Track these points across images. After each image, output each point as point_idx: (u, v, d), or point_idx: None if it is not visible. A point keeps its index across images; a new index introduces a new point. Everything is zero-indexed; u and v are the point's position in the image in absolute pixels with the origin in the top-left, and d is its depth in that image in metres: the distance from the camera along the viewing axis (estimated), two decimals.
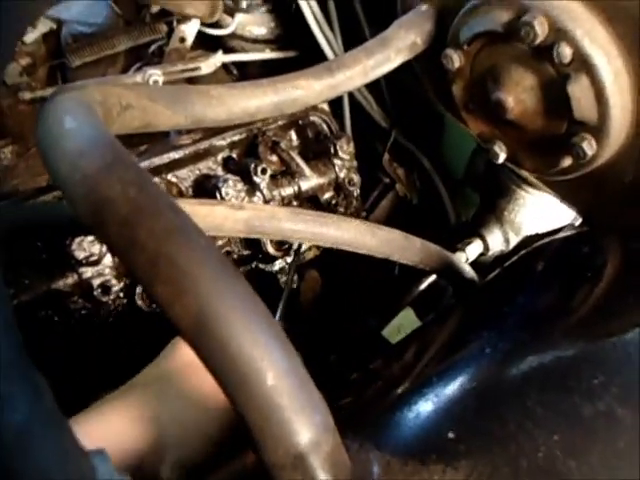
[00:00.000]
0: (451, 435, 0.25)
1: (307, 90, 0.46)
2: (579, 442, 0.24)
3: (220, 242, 0.72)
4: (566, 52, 0.36)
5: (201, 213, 0.36)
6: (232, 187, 0.67)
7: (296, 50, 0.83)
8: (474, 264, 0.67)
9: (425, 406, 0.27)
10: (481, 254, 0.66)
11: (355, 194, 0.80)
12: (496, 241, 0.65)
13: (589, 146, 0.39)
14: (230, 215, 0.37)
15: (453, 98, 0.49)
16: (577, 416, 0.25)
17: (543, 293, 0.35)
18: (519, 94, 0.42)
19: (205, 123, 0.43)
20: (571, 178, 0.44)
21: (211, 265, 0.20)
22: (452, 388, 0.28)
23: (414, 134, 0.80)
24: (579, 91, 0.37)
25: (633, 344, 0.27)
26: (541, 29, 0.36)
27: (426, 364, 0.33)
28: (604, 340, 0.28)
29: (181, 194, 0.72)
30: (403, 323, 0.67)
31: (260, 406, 0.20)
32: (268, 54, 0.82)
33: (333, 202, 0.78)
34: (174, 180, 0.71)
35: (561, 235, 0.47)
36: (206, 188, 0.70)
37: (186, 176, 0.72)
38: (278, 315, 0.64)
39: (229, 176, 0.67)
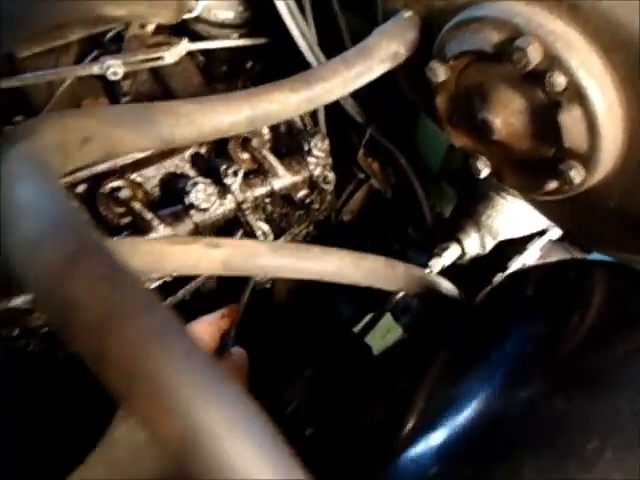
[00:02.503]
0: None
1: (283, 104, 0.43)
2: None
3: None
4: (560, 81, 0.35)
5: (175, 252, 0.34)
6: (202, 191, 0.63)
7: (266, 36, 0.79)
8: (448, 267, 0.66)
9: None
10: (457, 257, 0.66)
11: (329, 190, 0.78)
12: (473, 245, 0.64)
13: (577, 174, 0.38)
14: (205, 254, 0.34)
15: (436, 109, 0.47)
16: None
17: (530, 338, 0.34)
18: (507, 116, 0.40)
19: (174, 144, 0.40)
20: (554, 199, 0.44)
21: (196, 373, 0.18)
22: (440, 445, 0.27)
23: (390, 129, 0.78)
24: (570, 121, 0.36)
25: (623, 400, 0.27)
26: (535, 56, 0.34)
27: (413, 421, 0.32)
28: (595, 398, 0.27)
29: (147, 195, 0.68)
30: (386, 326, 0.66)
31: None
32: (236, 41, 0.77)
33: (307, 200, 0.76)
34: (139, 180, 0.67)
35: (545, 261, 0.47)
36: (174, 189, 0.67)
37: (152, 175, 0.68)
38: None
39: (199, 179, 0.64)
